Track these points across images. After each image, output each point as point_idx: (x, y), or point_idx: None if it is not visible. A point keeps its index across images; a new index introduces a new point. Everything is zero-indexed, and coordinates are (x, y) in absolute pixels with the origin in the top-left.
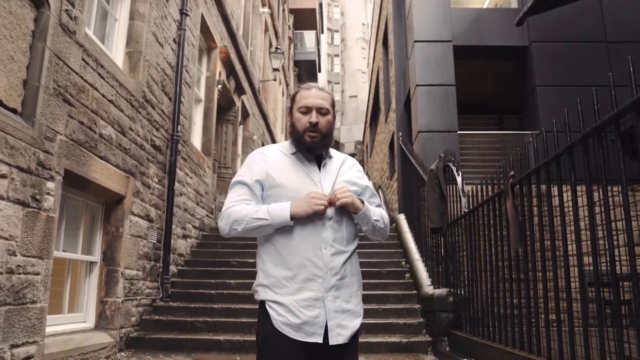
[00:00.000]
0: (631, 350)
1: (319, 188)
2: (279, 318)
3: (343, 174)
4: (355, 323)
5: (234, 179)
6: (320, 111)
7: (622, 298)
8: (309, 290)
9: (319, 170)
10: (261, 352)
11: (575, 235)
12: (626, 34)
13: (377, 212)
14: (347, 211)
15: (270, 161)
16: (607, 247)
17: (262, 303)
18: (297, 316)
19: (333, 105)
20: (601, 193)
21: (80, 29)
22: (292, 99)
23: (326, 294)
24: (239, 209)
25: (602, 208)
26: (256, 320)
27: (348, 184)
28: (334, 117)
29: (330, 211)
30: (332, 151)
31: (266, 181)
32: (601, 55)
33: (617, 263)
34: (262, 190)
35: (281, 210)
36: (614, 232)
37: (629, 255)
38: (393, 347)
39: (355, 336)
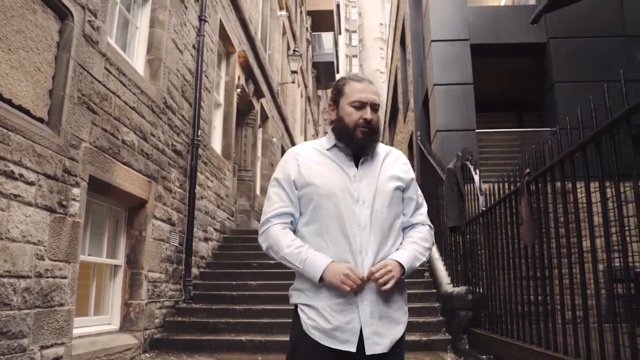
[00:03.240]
0: None
1: (355, 185)
2: (308, 322)
3: (387, 168)
4: (396, 331)
5: (273, 177)
6: (374, 107)
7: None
8: (343, 294)
9: (356, 165)
10: (291, 357)
11: (589, 232)
12: None
13: (418, 254)
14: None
15: (303, 160)
16: (619, 242)
17: (296, 307)
18: (328, 321)
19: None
20: (614, 189)
21: (103, 38)
22: (339, 90)
23: (361, 299)
24: (281, 237)
25: (615, 204)
26: (278, 320)
27: (392, 179)
28: None
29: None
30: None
31: (298, 181)
32: (621, 49)
33: (631, 258)
34: (297, 190)
35: (315, 269)
36: (626, 228)
37: None
38: (413, 345)
39: (398, 345)
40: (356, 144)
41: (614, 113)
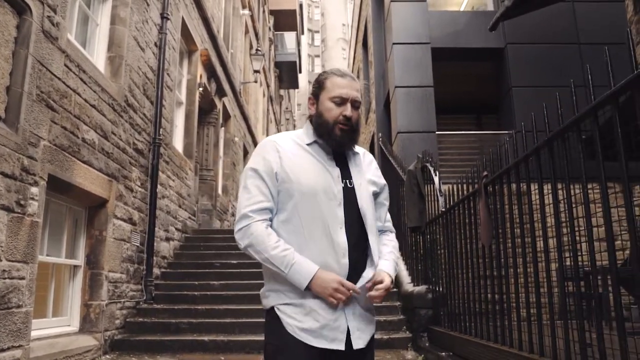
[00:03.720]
0: (592, 339)
1: (338, 187)
2: (295, 323)
3: (366, 172)
4: (371, 327)
5: (248, 167)
6: (355, 104)
7: (584, 291)
8: None
9: (336, 164)
10: None
11: (542, 232)
12: (597, 36)
13: (395, 265)
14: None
15: (284, 152)
16: (570, 242)
17: (272, 310)
18: (315, 319)
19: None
20: (565, 192)
21: (63, 35)
22: (321, 84)
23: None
24: (265, 237)
25: (566, 206)
26: (241, 320)
27: (370, 183)
28: None
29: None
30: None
31: (279, 175)
32: (574, 56)
33: (580, 258)
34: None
35: (301, 276)
36: (576, 229)
37: (589, 250)
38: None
39: (371, 341)
40: (335, 142)
41: (566, 119)
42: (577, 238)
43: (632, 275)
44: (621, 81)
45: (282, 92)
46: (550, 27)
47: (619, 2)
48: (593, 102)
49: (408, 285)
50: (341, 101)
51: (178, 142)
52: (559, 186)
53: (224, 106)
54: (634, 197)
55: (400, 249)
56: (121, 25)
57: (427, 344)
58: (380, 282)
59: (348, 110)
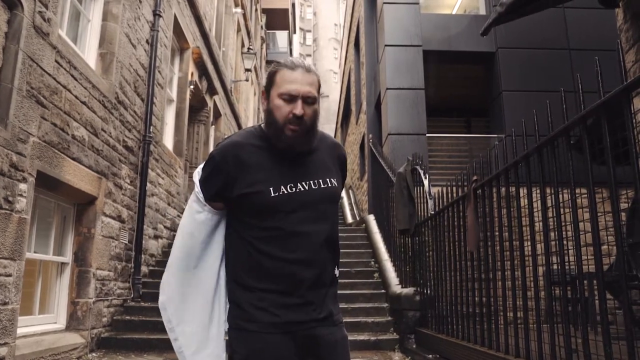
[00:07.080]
0: (577, 343)
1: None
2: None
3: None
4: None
5: (198, 185)
6: (307, 100)
7: (571, 296)
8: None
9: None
10: None
11: (530, 237)
12: (588, 42)
13: None
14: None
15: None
16: (557, 247)
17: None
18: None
19: (319, 88)
20: (553, 197)
21: (54, 30)
22: (271, 78)
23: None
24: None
25: (554, 211)
26: None
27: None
28: (319, 101)
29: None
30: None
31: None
32: (564, 62)
33: (567, 263)
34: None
35: None
36: (564, 233)
37: (576, 256)
38: (362, 344)
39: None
40: (286, 143)
41: (556, 126)
42: (565, 243)
43: (617, 280)
44: (610, 89)
45: None
46: (541, 33)
47: (608, 10)
48: (582, 111)
49: (396, 287)
50: (290, 98)
51: (168, 140)
52: (548, 191)
53: (215, 104)
54: (620, 202)
55: (389, 250)
56: (113, 22)
57: (414, 346)
58: None
59: (298, 108)
